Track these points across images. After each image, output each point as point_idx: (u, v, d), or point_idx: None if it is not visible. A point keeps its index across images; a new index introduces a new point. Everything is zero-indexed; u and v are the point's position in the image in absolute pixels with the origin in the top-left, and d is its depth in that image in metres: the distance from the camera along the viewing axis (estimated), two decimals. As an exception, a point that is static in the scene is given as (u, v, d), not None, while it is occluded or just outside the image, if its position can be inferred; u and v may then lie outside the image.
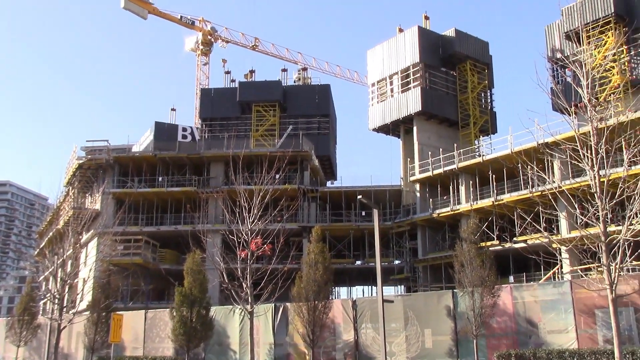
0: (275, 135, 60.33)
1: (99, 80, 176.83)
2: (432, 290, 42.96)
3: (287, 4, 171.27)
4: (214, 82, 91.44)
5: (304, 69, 74.30)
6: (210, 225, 47.76)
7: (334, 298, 41.73)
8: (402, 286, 54.35)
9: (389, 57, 57.98)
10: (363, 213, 53.55)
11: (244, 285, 26.90)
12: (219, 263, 28.24)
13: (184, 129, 63.62)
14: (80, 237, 32.42)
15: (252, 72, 68.88)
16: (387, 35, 69.98)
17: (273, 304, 30.82)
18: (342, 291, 64.53)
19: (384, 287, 27.51)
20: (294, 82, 70.00)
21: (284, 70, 69.71)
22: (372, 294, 56.41)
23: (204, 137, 61.91)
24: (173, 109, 72.17)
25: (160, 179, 52.93)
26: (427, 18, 59.90)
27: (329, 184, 63.09)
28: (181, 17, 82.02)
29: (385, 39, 59.51)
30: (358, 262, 53.98)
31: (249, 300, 27.12)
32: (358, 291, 68.43)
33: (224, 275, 27.42)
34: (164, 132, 61.14)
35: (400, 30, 58.51)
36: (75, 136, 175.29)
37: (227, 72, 70.64)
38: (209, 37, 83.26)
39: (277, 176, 30.74)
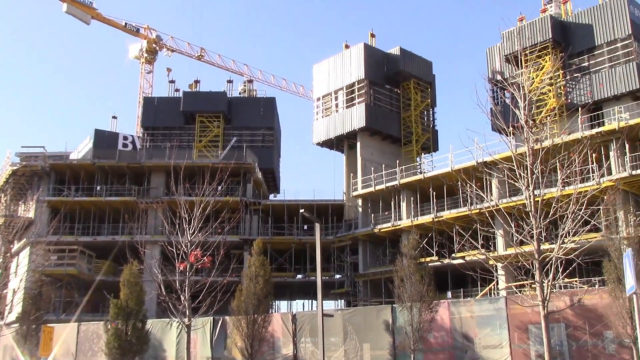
0: (219, 146, 59.78)
1: (37, 85, 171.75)
2: (372, 305, 43.23)
3: (234, 16, 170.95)
4: (158, 91, 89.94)
5: (250, 81, 74.08)
6: (149, 237, 46.79)
7: (274, 312, 41.47)
8: (343, 300, 54.54)
9: (335, 72, 58.46)
10: (305, 227, 53.55)
11: (182, 298, 26.44)
12: (156, 275, 27.70)
13: (125, 138, 62.30)
14: (11, 246, 31.19)
15: (197, 82, 68.23)
16: (334, 50, 70.73)
17: (211, 317, 30.39)
18: (283, 305, 64.31)
19: (324, 302, 27.52)
20: (240, 93, 69.65)
21: (230, 81, 69.30)
22: (312, 308, 56.41)
23: (145, 146, 60.77)
24: (114, 117, 70.53)
25: (98, 188, 51.59)
26: (373, 36, 60.76)
27: (271, 197, 62.94)
28: (126, 24, 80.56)
29: (331, 55, 60.10)
30: (299, 276, 53.85)
31: (187, 313, 26.65)
32: (298, 305, 68.34)
33: (162, 288, 26.90)
34: (104, 140, 59.72)
35: (347, 47, 59.13)
36: (10, 142, 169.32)
37: (172, 82, 69.74)
38: (154, 45, 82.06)
39: (220, 188, 30.43)
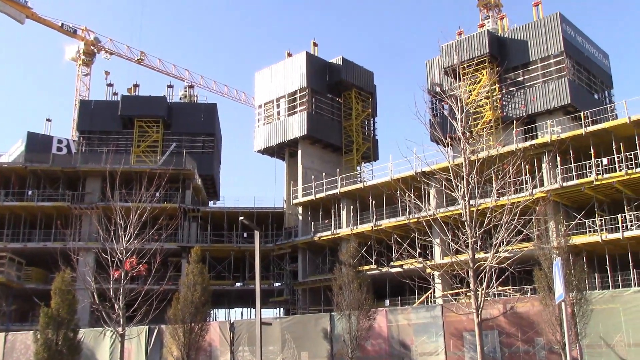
0: (158, 152, 58.77)
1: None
2: (311, 313, 43.23)
3: (176, 20, 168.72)
4: (95, 94, 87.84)
5: (191, 87, 73.21)
6: (83, 243, 45.44)
7: (211, 320, 40.95)
8: (282, 309, 54.30)
9: (277, 80, 58.46)
10: (245, 234, 53.14)
11: (116, 307, 25.76)
12: (90, 283, 26.89)
13: (60, 141, 60.49)
14: None
15: (136, 86, 66.93)
16: (276, 58, 70.68)
17: (147, 326, 29.72)
18: (221, 313, 63.56)
19: (263, 310, 27.37)
20: (180, 99, 68.71)
21: (170, 86, 68.35)
22: (251, 317, 55.93)
23: (80, 150, 59.15)
24: (48, 120, 68.52)
25: (30, 192, 49.80)
26: (315, 45, 61.11)
27: (211, 204, 62.17)
28: (62, 24, 78.35)
29: (273, 62, 60.08)
30: (238, 284, 53.36)
31: (121, 322, 25.98)
32: (237, 313, 67.67)
33: (95, 296, 26.14)
34: (37, 143, 57.82)
35: (289, 55, 59.25)
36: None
37: (110, 85, 68.22)
38: (92, 47, 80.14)
39: (157, 194, 29.85)
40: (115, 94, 66.53)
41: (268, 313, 54.15)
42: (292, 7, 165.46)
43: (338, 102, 59.09)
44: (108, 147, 53.12)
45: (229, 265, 51.63)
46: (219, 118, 67.32)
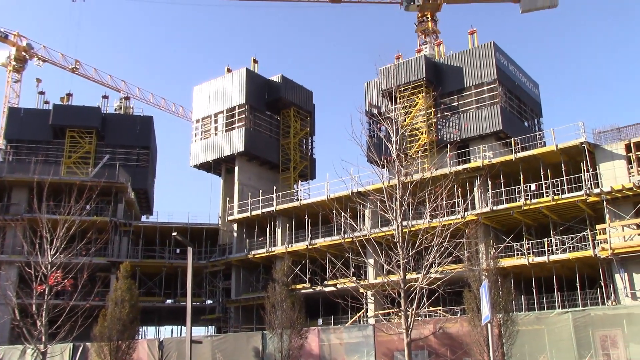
0: (90, 163, 57.13)
1: None
2: (243, 332, 42.72)
3: (113, 30, 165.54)
4: (25, 102, 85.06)
5: (127, 98, 71.61)
6: (6, 256, 43.61)
7: (140, 338, 39.79)
8: (213, 327, 53.44)
9: (216, 95, 58.07)
10: (178, 250, 52.15)
11: (38, 323, 24.74)
12: (11, 298, 25.77)
13: (-15, 149, 57.99)
14: None
15: (69, 95, 64.95)
16: (215, 73, 70.21)
17: (71, 344, 28.70)
18: (150, 331, 61.93)
19: (194, 328, 26.85)
20: (115, 110, 67.12)
21: (105, 97, 66.66)
22: (181, 335, 54.73)
23: (7, 159, 56.91)
24: (-26, 127, 65.60)
25: (-48, 201, 47.50)
26: (255, 62, 61.04)
27: (144, 218, 60.80)
28: (-7, 28, 75.51)
29: (213, 77, 59.66)
30: (169, 301, 52.22)
31: (43, 339, 24.94)
32: (167, 331, 66.01)
33: (16, 312, 25.03)
34: (-39, 150, 55.27)
35: (229, 70, 59.00)
36: None
37: (41, 93, 66.09)
38: (24, 53, 77.44)
39: (88, 207, 29.01)
40: (46, 102, 64.51)
41: (199, 331, 53.21)
42: (233, 23, 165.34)
43: (277, 119, 59.15)
44: (37, 156, 51.32)
45: (160, 281, 50.55)
46: (155, 131, 66.18)
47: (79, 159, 57.61)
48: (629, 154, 34.54)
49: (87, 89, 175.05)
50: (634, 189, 32.79)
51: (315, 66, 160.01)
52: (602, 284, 34.49)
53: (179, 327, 58.56)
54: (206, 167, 57.85)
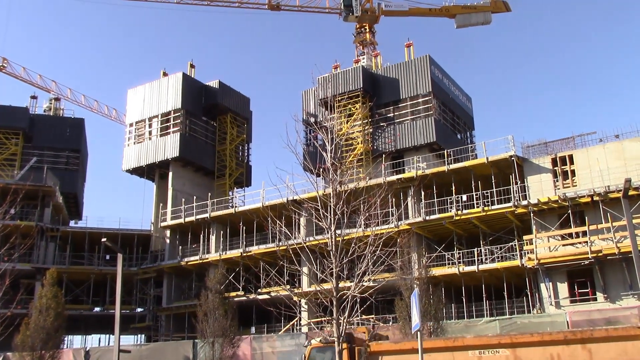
0: (16, 166, 54.99)
1: None
2: (174, 340, 41.91)
3: (44, 29, 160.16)
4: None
5: (57, 99, 69.29)
6: None
7: (65, 347, 38.43)
8: (143, 335, 52.17)
9: (151, 99, 56.98)
10: (108, 257, 50.77)
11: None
12: None
13: None
14: None
15: (-5, 94, 62.49)
16: (151, 77, 68.89)
17: (-10, 354, 27.41)
18: (77, 340, 59.87)
19: (122, 336, 26.14)
20: (44, 111, 64.95)
21: (34, 97, 64.35)
22: (109, 343, 53.18)
23: None
24: None
25: None
26: (192, 66, 60.32)
27: (72, 223, 58.88)
28: None
29: (148, 81, 58.54)
30: (97, 309, 50.70)
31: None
32: (94, 340, 64.09)
33: None
34: None
35: (165, 74, 58.08)
36: None
37: (-35, 91, 63.20)
38: (-53, 49, 73.98)
39: (12, 211, 27.84)
40: (-30, 101, 61.65)
41: (128, 340, 51.82)
42: (171, 26, 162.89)
43: (213, 125, 58.54)
44: (-41, 157, 49.00)
45: (89, 288, 49.04)
46: (87, 134, 64.34)
47: (4, 161, 55.36)
48: (555, 168, 35.92)
49: (14, 88, 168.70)
50: (559, 201, 34.09)
51: (253, 73, 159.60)
52: (529, 293, 35.64)
53: (107, 336, 56.91)
54: (139, 172, 56.60)
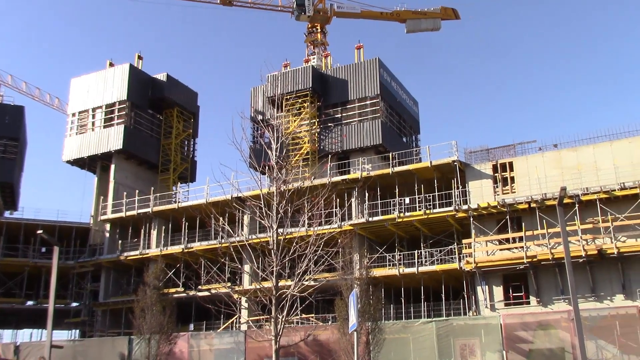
0: (-50, 153, 52.81)
1: None
2: (109, 336, 41.04)
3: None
4: None
5: (-4, 85, 66.98)
6: None
7: (-6, 342, 37.22)
8: (78, 331, 50.88)
9: (96, 89, 55.63)
10: (44, 249, 49.29)
11: None
12: None
13: None
14: None
15: None
16: (97, 67, 67.22)
17: None
18: (7, 334, 57.89)
19: (56, 331, 25.46)
20: (-18, 97, 62.54)
21: (-29, 82, 61.99)
22: (41, 338, 51.67)
23: None
24: None
25: None
26: (140, 58, 59.20)
27: (7, 214, 56.87)
28: None
29: (93, 70, 57.15)
30: (30, 302, 49.16)
31: None
32: (25, 335, 62.03)
33: None
34: None
35: (111, 65, 56.84)
36: None
37: None
38: None
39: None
40: None
41: (61, 335, 50.38)
42: (119, 17, 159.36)
43: (159, 119, 57.63)
44: None
45: (22, 281, 47.54)
46: (27, 122, 62.23)
47: (-64, 147, 53.08)
48: (496, 174, 36.82)
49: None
50: (498, 207, 34.98)
51: (203, 68, 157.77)
52: (465, 296, 36.42)
53: (40, 330, 55.28)
54: (80, 163, 55.17)
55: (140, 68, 57.71)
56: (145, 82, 56.56)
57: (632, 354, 25.75)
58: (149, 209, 46.38)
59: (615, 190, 32.65)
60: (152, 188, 48.65)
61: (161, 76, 57.37)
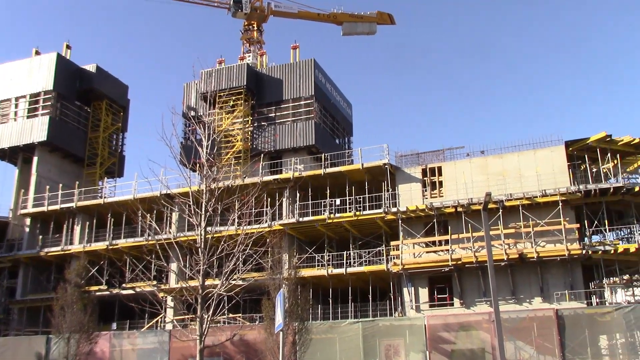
0: None
1: None
2: (26, 335, 39.42)
3: None
4: None
5: None
6: None
7: None
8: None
9: (20, 77, 53.29)
10: (-43, 244, 46.94)
11: None
12: None
13: None
14: None
15: None
16: (22, 55, 64.51)
17: None
18: None
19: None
20: None
21: None
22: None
23: None
24: None
25: None
26: (69, 47, 57.13)
27: None
28: None
29: (18, 58, 54.77)
30: (-60, 299, 46.68)
31: None
32: None
33: None
34: None
35: (37, 53, 54.62)
36: None
37: None
38: None
39: None
40: None
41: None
42: (46, 3, 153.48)
43: (86, 111, 55.80)
44: None
45: None
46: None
47: None
48: (425, 178, 37.54)
49: None
50: (426, 210, 35.68)
51: (135, 61, 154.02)
52: (392, 297, 36.96)
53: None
54: (0, 154, 52.74)
55: (68, 58, 55.70)
56: (73, 73, 54.65)
57: (548, 355, 26.77)
58: (72, 204, 44.85)
59: (537, 197, 33.88)
60: (77, 182, 47.06)
61: (90, 67, 55.56)
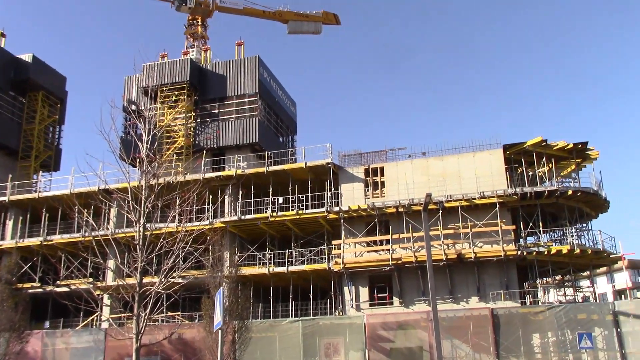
0: None
1: None
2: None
3: None
4: None
5: None
6: None
7: None
8: None
9: (-51, 65, 51.10)
10: None
11: None
12: None
13: None
14: None
15: None
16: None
17: None
18: None
19: None
20: None
21: None
22: None
23: None
24: None
25: None
26: (3, 35, 55.19)
27: None
28: None
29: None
30: None
31: None
32: None
33: None
34: None
35: (-31, 40, 52.48)
36: None
37: None
38: None
39: None
40: None
41: None
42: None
43: (21, 102, 53.92)
44: None
45: None
46: None
47: None
48: (367, 178, 37.88)
49: None
50: (368, 210, 36.00)
51: (75, 52, 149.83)
52: (333, 295, 37.15)
53: None
54: None
55: (2, 46, 53.75)
56: (7, 62, 52.74)
57: (483, 353, 27.42)
58: (5, 198, 43.21)
59: (475, 198, 34.66)
60: (10, 175, 45.40)
61: (26, 57, 53.74)
